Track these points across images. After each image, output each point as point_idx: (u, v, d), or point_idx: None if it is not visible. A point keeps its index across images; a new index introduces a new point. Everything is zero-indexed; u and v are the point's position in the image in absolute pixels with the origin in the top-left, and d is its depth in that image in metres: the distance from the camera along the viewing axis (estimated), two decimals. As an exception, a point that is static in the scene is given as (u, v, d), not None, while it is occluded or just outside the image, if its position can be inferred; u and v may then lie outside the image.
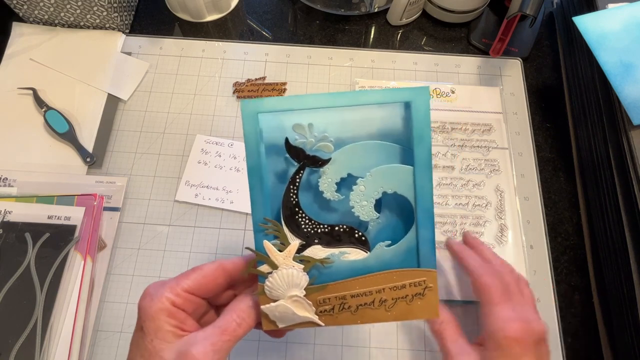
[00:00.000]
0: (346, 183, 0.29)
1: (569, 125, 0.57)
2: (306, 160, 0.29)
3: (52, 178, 0.51)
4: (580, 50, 0.55)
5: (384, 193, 0.29)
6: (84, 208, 0.48)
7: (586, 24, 0.48)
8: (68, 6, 0.55)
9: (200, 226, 0.50)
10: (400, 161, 0.29)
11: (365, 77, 0.58)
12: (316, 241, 0.29)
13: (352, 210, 0.29)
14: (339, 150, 0.29)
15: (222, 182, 0.52)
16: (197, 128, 0.55)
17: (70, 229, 0.47)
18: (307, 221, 0.29)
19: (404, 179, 0.29)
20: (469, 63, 0.59)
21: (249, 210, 0.51)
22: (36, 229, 0.47)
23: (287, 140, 0.29)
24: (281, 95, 0.57)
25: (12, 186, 0.50)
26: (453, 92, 0.57)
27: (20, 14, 0.58)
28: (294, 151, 0.29)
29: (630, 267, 0.43)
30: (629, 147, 0.44)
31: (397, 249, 0.29)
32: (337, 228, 0.30)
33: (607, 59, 0.46)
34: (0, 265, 0.45)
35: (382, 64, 0.59)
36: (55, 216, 0.47)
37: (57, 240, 0.46)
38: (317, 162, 0.29)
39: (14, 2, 0.55)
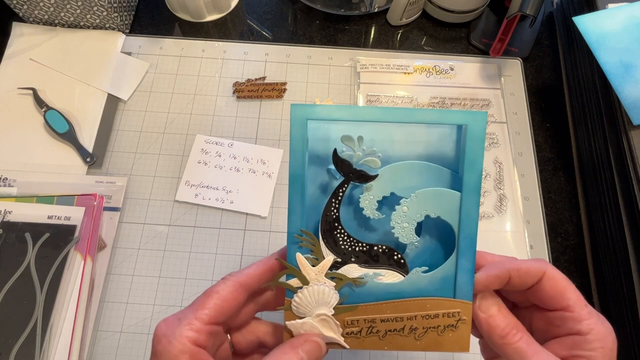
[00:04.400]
0: (388, 202, 0.28)
1: (569, 125, 0.57)
2: (352, 174, 0.28)
3: (52, 178, 0.51)
4: (580, 50, 0.55)
5: (427, 216, 0.28)
6: (84, 208, 0.48)
7: (586, 24, 0.48)
8: (68, 6, 0.55)
9: (200, 226, 0.50)
10: (447, 185, 0.28)
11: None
12: (353, 259, 0.28)
13: (392, 230, 0.28)
14: (384, 167, 0.27)
15: (222, 182, 0.52)
16: (197, 128, 0.55)
17: (70, 229, 0.47)
18: (345, 237, 0.28)
19: (449, 204, 0.28)
20: (469, 63, 0.59)
21: (248, 210, 0.51)
22: (36, 229, 0.47)
23: (335, 151, 0.27)
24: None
25: (12, 186, 0.50)
26: (452, 69, 0.59)
27: (20, 14, 0.58)
28: (341, 164, 0.27)
29: (630, 267, 0.43)
30: (629, 147, 0.44)
31: (434, 276, 0.28)
32: (376, 248, 0.28)
33: (607, 59, 0.46)
34: (0, 265, 0.45)
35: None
36: (55, 216, 0.47)
37: (57, 240, 0.46)
38: (364, 178, 0.28)
39: (14, 2, 0.55)
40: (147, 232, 0.50)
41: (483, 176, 0.53)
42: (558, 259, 0.51)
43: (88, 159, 0.52)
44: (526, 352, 0.26)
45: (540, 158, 0.55)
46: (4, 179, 0.50)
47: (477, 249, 0.28)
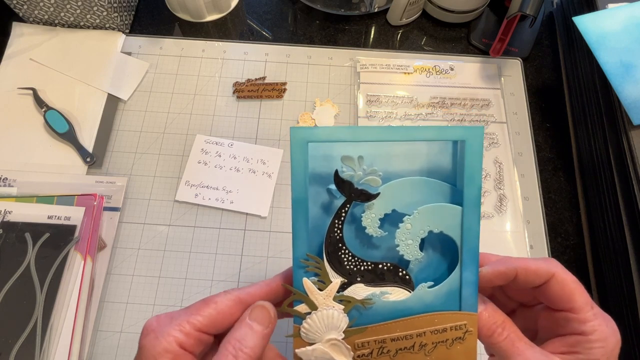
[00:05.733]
0: (390, 219, 0.28)
1: (569, 125, 0.57)
2: (354, 194, 0.27)
3: (52, 178, 0.51)
4: (580, 50, 0.55)
5: (430, 232, 0.28)
6: (84, 208, 0.48)
7: (586, 24, 0.48)
8: (68, 6, 0.55)
9: (200, 226, 0.50)
10: (447, 199, 0.28)
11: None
12: (358, 279, 0.28)
13: (397, 248, 0.28)
14: (385, 185, 0.28)
15: (222, 182, 0.52)
16: (197, 128, 0.55)
17: (70, 229, 0.47)
18: (349, 257, 0.28)
19: (451, 219, 0.28)
20: (469, 63, 0.59)
21: (248, 210, 0.51)
22: (36, 229, 0.47)
23: (336, 172, 0.27)
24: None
25: (12, 186, 0.50)
26: (452, 69, 0.59)
27: (20, 14, 0.58)
28: (342, 184, 0.27)
29: (630, 267, 0.43)
30: (629, 147, 0.44)
31: (439, 291, 0.28)
32: (380, 266, 0.28)
33: (607, 59, 0.46)
34: (0, 265, 0.45)
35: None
36: (55, 216, 0.47)
37: (57, 240, 0.46)
38: (365, 197, 0.27)
39: (14, 2, 0.55)
40: (147, 232, 0.50)
41: (483, 176, 0.53)
42: (558, 259, 0.50)
43: (88, 159, 0.52)
44: (511, 351, 0.27)
45: (540, 158, 0.55)
46: (4, 179, 0.50)
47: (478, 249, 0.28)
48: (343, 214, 0.28)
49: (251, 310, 0.27)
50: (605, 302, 0.47)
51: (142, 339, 0.26)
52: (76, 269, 0.46)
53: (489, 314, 0.28)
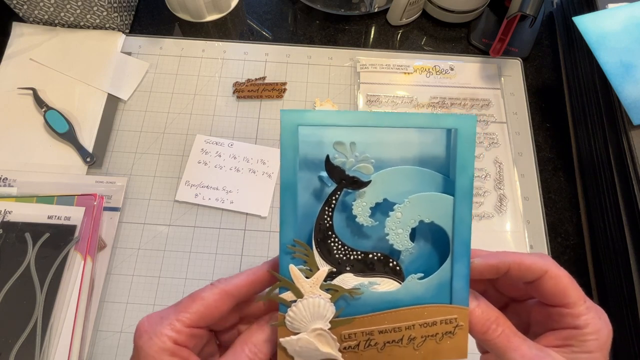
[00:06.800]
0: (381, 208, 0.27)
1: (569, 125, 0.57)
2: (345, 181, 0.27)
3: (52, 178, 0.51)
4: (580, 50, 0.55)
5: (421, 222, 0.27)
6: (84, 208, 0.48)
7: (586, 24, 0.48)
8: (68, 6, 0.55)
9: (200, 226, 0.50)
10: (439, 190, 0.28)
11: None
12: (348, 269, 0.27)
13: (387, 237, 0.27)
14: (377, 174, 0.27)
15: (222, 182, 0.52)
16: (197, 128, 0.55)
17: (70, 229, 0.47)
18: (339, 246, 0.27)
19: (442, 209, 0.27)
20: (469, 63, 0.59)
21: (248, 210, 0.51)
22: (36, 229, 0.47)
23: (327, 158, 0.27)
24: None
25: (12, 186, 0.50)
26: (452, 69, 0.59)
27: (20, 14, 0.58)
28: (333, 170, 0.27)
29: (630, 267, 0.43)
30: (629, 147, 0.44)
31: (430, 283, 0.27)
32: (371, 255, 0.27)
33: (607, 59, 0.46)
34: (0, 265, 0.45)
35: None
36: (55, 216, 0.47)
37: (57, 240, 0.46)
38: (357, 185, 0.27)
39: (14, 2, 0.55)
40: (147, 232, 0.50)
41: (483, 176, 0.53)
42: (558, 259, 0.51)
43: (88, 159, 0.52)
44: (507, 347, 0.27)
45: (540, 158, 0.55)
46: (4, 179, 0.50)
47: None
48: (333, 202, 0.27)
49: (271, 318, 0.27)
50: (605, 302, 0.47)
51: (136, 339, 0.26)
52: (76, 269, 0.46)
53: (483, 310, 0.28)
